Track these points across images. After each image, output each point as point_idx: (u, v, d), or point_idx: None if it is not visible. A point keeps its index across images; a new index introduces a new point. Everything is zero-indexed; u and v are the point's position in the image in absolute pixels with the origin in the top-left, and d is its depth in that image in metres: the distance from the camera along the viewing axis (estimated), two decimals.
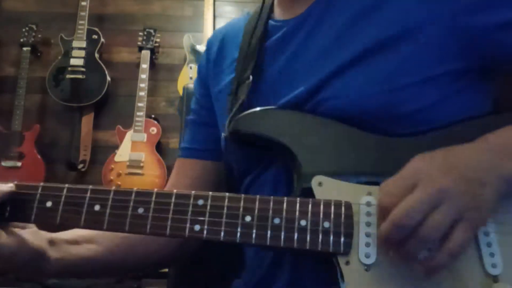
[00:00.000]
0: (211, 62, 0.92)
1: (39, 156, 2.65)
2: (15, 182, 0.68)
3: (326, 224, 0.63)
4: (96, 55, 2.77)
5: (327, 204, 0.64)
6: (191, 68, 2.76)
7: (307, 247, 0.62)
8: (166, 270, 1.09)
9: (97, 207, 0.66)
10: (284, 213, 0.63)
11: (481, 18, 0.68)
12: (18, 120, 2.64)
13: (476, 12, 0.68)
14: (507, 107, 0.75)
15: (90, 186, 0.67)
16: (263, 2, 0.87)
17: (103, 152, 2.75)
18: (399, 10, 0.70)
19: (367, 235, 0.62)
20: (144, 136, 2.65)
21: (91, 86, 2.72)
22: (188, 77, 2.74)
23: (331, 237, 0.62)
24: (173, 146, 2.76)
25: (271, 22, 0.84)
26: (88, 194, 0.67)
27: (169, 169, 2.58)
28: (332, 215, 0.63)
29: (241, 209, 0.64)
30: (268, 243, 0.62)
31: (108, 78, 2.75)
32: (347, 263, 0.62)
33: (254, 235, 0.63)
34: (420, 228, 0.56)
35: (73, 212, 0.66)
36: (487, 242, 0.61)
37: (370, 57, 0.70)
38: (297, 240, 0.62)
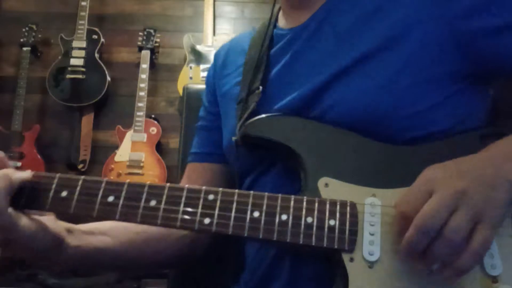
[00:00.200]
0: (217, 70, 0.96)
1: (39, 156, 2.65)
2: (33, 172, 0.70)
3: (332, 222, 0.65)
4: (96, 55, 2.77)
5: (333, 203, 0.66)
6: (191, 68, 2.76)
7: (313, 243, 0.64)
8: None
9: (110, 198, 0.67)
10: (291, 210, 0.65)
11: (478, 22, 0.70)
12: (18, 120, 2.65)
13: (473, 16, 0.70)
14: (507, 110, 0.76)
15: (105, 179, 0.69)
16: (272, 13, 0.90)
17: (103, 152, 2.75)
18: (399, 14, 0.73)
19: (371, 233, 0.64)
20: (144, 136, 2.65)
21: (91, 86, 2.72)
22: (188, 77, 2.74)
23: (337, 234, 0.64)
24: (173, 146, 2.77)
25: (276, 31, 0.87)
26: (103, 186, 0.68)
27: (169, 169, 2.59)
28: (337, 213, 0.65)
29: (249, 205, 0.66)
30: (275, 238, 0.64)
31: (108, 78, 2.75)
32: (351, 259, 0.63)
33: (261, 230, 0.64)
34: (443, 230, 0.57)
35: (87, 202, 0.68)
36: None
37: (371, 59, 0.72)
38: (303, 236, 0.64)
